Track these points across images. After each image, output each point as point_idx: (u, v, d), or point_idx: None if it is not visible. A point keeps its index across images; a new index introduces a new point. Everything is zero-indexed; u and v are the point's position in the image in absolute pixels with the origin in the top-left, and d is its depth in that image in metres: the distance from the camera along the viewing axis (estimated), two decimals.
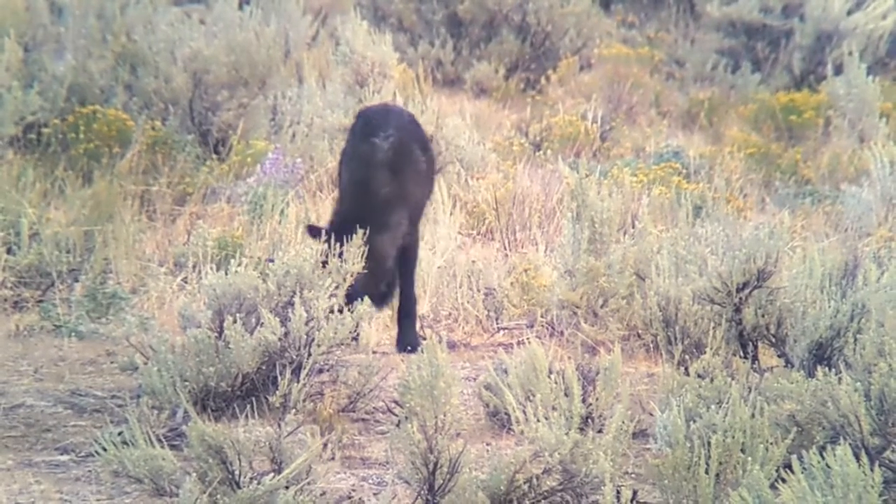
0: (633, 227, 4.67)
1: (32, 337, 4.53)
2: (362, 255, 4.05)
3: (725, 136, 7.26)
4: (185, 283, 4.75)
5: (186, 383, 3.84)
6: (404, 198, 4.28)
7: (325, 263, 4.04)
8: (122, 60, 6.29)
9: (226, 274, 3.97)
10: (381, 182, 4.24)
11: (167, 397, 3.82)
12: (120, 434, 3.59)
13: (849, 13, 8.33)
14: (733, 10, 8.49)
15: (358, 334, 4.25)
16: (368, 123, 4.42)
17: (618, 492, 3.27)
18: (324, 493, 3.44)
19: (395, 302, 4.42)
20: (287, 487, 3.30)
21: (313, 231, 4.21)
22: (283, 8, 6.99)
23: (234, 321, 3.87)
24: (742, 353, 4.19)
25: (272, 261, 3.93)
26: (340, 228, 4.16)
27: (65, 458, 3.67)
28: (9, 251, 4.87)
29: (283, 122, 6.13)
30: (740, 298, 4.18)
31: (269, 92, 6.34)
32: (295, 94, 6.35)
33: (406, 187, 4.29)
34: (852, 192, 5.90)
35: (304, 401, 3.90)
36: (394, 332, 4.69)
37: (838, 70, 7.59)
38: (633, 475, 3.69)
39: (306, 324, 3.92)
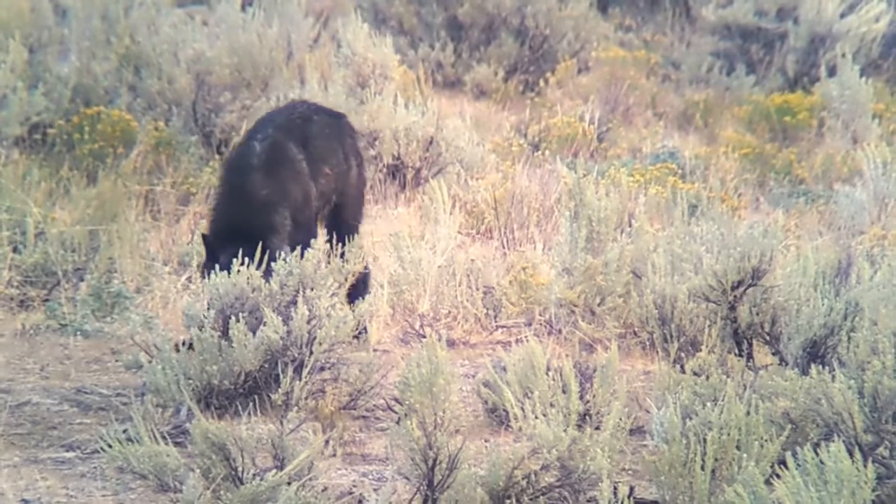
0: (630, 227, 4.72)
1: (38, 335, 4.57)
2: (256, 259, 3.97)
3: (720, 137, 7.31)
4: (189, 282, 4.79)
5: (190, 381, 3.89)
6: (285, 198, 4.24)
7: (205, 272, 4.00)
8: (126, 62, 6.34)
9: (229, 274, 4.02)
10: (258, 184, 4.21)
11: (171, 395, 3.87)
12: (125, 431, 3.64)
13: (842, 16, 8.38)
14: (728, 13, 8.54)
15: (361, 332, 4.30)
16: (257, 123, 4.45)
17: (615, 488, 3.32)
18: (325, 489, 3.48)
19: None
20: (289, 483, 3.34)
21: (206, 238, 4.15)
22: (285, 10, 7.04)
23: (238, 320, 3.91)
24: (737, 351, 4.24)
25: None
26: (219, 234, 4.11)
27: (70, 454, 3.71)
28: (14, 250, 4.91)
29: None
30: (735, 296, 4.23)
31: (271, 93, 6.39)
32: (297, 95, 6.39)
33: (286, 188, 4.26)
34: (846, 191, 5.95)
35: (305, 398, 3.95)
36: (394, 330, 4.74)
37: (832, 72, 7.63)
38: (629, 471, 3.73)
39: (308, 322, 3.97)
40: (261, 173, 4.21)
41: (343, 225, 4.50)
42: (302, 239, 4.25)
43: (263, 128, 4.41)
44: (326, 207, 4.43)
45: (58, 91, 6.19)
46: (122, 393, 4.10)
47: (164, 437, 3.56)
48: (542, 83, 8.02)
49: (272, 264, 4.00)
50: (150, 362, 3.92)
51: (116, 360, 4.31)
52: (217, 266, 4.03)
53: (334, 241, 4.36)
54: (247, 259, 4.00)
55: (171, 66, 6.29)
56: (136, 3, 6.48)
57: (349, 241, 4.23)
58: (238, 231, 4.10)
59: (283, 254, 4.02)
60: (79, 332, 4.57)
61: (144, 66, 6.33)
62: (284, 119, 4.43)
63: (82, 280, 4.85)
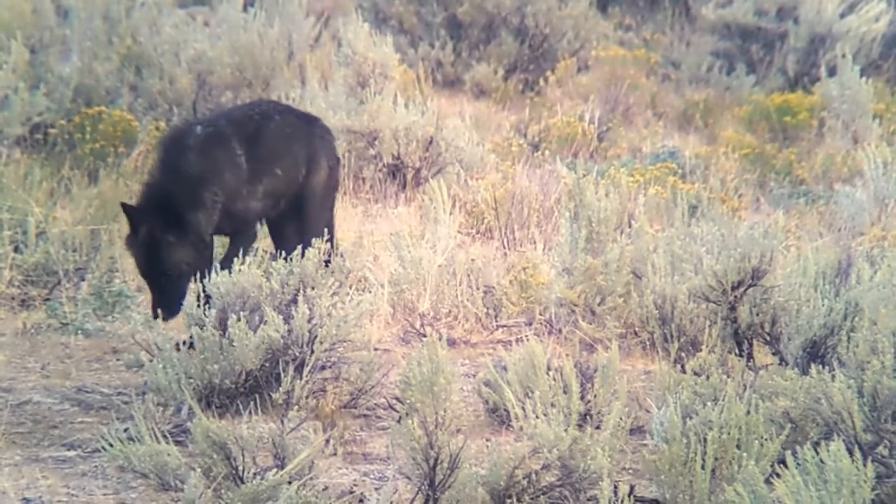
0: (630, 227, 4.73)
1: (39, 335, 4.57)
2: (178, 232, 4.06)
3: (720, 137, 7.31)
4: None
5: (191, 380, 3.89)
6: (217, 181, 4.24)
7: (131, 238, 4.09)
8: (128, 62, 6.35)
9: (230, 273, 4.03)
10: (192, 163, 4.21)
11: (172, 394, 3.87)
12: (126, 430, 3.64)
13: (842, 16, 8.38)
14: (728, 12, 8.54)
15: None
16: (214, 112, 4.55)
17: (615, 487, 3.33)
18: (326, 488, 3.49)
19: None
20: (290, 482, 3.35)
21: (128, 209, 4.18)
22: (286, 10, 7.04)
23: (238, 319, 3.92)
24: (737, 351, 4.25)
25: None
26: (144, 207, 4.17)
27: (72, 453, 3.72)
28: (16, 250, 4.91)
29: None
30: (735, 297, 4.24)
31: (272, 93, 6.39)
32: (298, 95, 6.40)
33: (219, 172, 4.24)
34: (846, 192, 5.96)
35: (306, 397, 3.95)
36: (395, 329, 4.75)
37: (832, 72, 7.64)
38: (630, 471, 3.74)
39: (309, 321, 3.97)
40: (195, 153, 4.24)
41: (304, 225, 4.48)
42: (237, 231, 4.31)
43: (216, 118, 4.49)
44: (276, 208, 4.39)
45: (59, 91, 6.20)
46: (124, 392, 4.11)
47: (165, 436, 3.57)
48: (541, 82, 8.02)
49: (196, 241, 4.07)
50: (151, 361, 3.92)
51: (117, 359, 4.31)
52: (137, 238, 4.09)
53: (288, 241, 4.38)
54: (241, 257, 4.05)
55: (172, 66, 6.30)
56: (138, 4, 6.48)
57: (308, 242, 4.23)
58: (164, 205, 4.15)
59: (206, 236, 4.10)
60: (80, 332, 4.58)
61: (146, 66, 6.34)
62: (241, 114, 4.48)
63: (83, 279, 4.86)
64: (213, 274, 4.02)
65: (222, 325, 3.96)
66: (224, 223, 4.32)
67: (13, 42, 6.19)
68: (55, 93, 6.17)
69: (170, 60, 6.32)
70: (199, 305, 3.97)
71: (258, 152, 4.35)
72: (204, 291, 4.00)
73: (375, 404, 4.09)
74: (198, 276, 4.09)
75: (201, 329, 3.94)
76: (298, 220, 4.47)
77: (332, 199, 4.60)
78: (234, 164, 4.30)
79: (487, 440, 3.86)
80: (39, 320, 4.65)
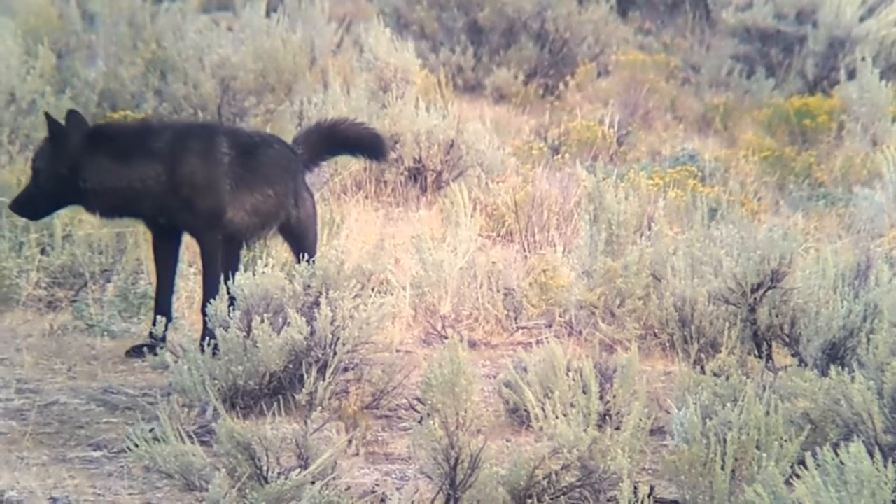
0: (650, 229, 4.74)
1: (66, 336, 4.62)
2: None
3: (740, 140, 7.31)
4: None
5: (216, 381, 3.93)
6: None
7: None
8: (153, 67, 6.42)
9: (253, 275, 4.07)
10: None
11: (197, 395, 3.92)
12: (151, 431, 3.68)
13: (861, 20, 8.35)
14: (748, 16, 8.53)
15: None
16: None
17: (635, 487, 3.34)
18: (348, 488, 3.52)
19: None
20: (313, 482, 3.38)
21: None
22: (308, 16, 7.11)
23: (262, 321, 3.97)
24: (757, 353, 4.26)
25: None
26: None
27: (98, 453, 3.76)
28: (43, 252, 4.97)
29: (314, 122, 6.22)
30: (755, 299, 4.26)
31: (295, 98, 6.45)
32: (320, 99, 6.45)
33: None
34: (865, 194, 5.95)
35: (329, 398, 3.99)
36: (416, 331, 4.78)
37: (851, 75, 7.62)
38: (650, 471, 3.75)
39: (331, 323, 4.01)
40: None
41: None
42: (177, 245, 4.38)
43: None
44: (266, 230, 4.42)
45: (85, 95, 6.28)
46: (149, 393, 4.15)
47: (189, 437, 3.61)
48: (561, 87, 8.04)
49: None
50: (176, 362, 3.97)
51: (143, 360, 4.36)
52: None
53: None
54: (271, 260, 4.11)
55: (196, 71, 6.37)
56: (163, 10, 6.56)
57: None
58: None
59: None
60: (106, 333, 4.63)
61: (170, 70, 6.41)
62: (241, 131, 4.64)
63: (109, 281, 4.91)
64: (238, 276, 4.07)
65: (246, 327, 4.00)
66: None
67: (40, 47, 6.27)
68: (81, 97, 6.24)
69: (194, 65, 6.39)
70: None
71: (252, 169, 4.36)
72: (228, 293, 4.06)
73: (397, 405, 4.12)
74: (223, 277, 4.15)
75: (226, 331, 3.98)
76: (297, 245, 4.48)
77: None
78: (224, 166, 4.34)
79: (508, 440, 3.88)
80: (66, 322, 4.71)
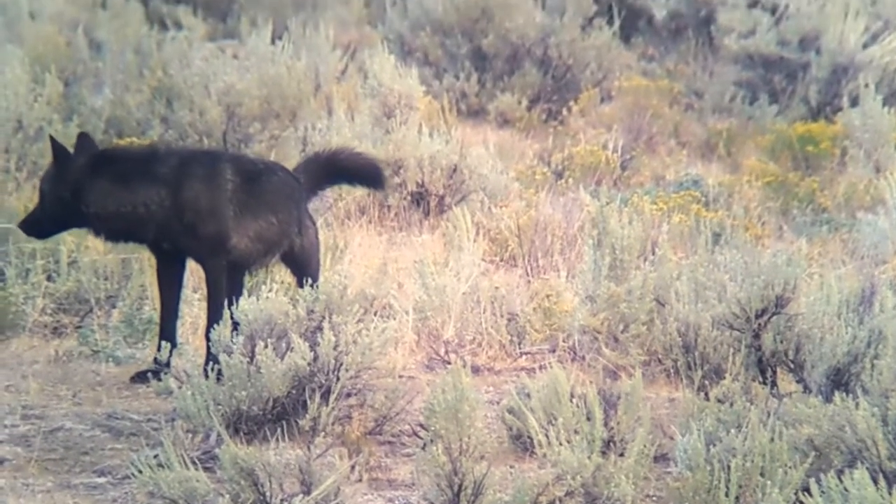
0: (653, 254, 4.74)
1: (71, 362, 4.63)
2: None
3: (743, 166, 7.32)
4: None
5: (219, 407, 3.94)
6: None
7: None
8: (159, 94, 6.47)
9: (257, 300, 4.08)
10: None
11: (201, 420, 3.92)
12: (156, 457, 3.68)
13: (864, 46, 8.38)
14: (751, 43, 8.56)
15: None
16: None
17: None
18: None
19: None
20: None
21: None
22: (313, 43, 7.16)
23: (266, 346, 3.97)
24: (761, 379, 4.25)
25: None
26: None
27: (102, 480, 3.76)
28: (48, 278, 4.99)
29: (313, 151, 6.27)
30: (759, 324, 4.25)
31: (299, 124, 6.48)
32: (324, 125, 6.49)
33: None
34: (868, 220, 5.95)
35: (332, 424, 3.99)
36: (419, 356, 4.78)
37: (854, 102, 7.64)
38: (654, 498, 3.74)
39: (335, 348, 4.02)
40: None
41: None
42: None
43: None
44: (269, 257, 4.42)
45: (92, 123, 6.32)
46: (153, 418, 4.16)
47: (193, 463, 3.60)
48: (565, 112, 8.07)
49: None
50: (180, 388, 3.97)
51: (147, 386, 4.37)
52: None
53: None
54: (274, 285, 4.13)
55: (202, 98, 6.41)
56: (169, 38, 6.61)
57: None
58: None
59: None
60: (111, 359, 4.64)
61: (176, 98, 6.45)
62: (245, 158, 4.65)
63: (114, 307, 4.92)
64: (242, 301, 4.08)
65: (250, 353, 4.01)
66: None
67: (48, 75, 6.32)
68: (88, 124, 6.28)
69: (200, 92, 6.43)
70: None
71: (256, 196, 4.38)
72: (232, 318, 4.07)
73: (400, 431, 4.12)
74: (227, 302, 4.17)
75: (229, 356, 3.99)
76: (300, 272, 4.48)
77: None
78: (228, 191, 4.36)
79: (511, 467, 3.87)
80: (71, 348, 4.72)
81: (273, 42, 6.76)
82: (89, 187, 4.30)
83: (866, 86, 7.43)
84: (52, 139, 4.42)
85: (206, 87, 6.44)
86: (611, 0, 9.13)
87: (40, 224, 4.38)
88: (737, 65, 8.53)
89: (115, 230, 4.36)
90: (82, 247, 5.11)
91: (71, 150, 4.40)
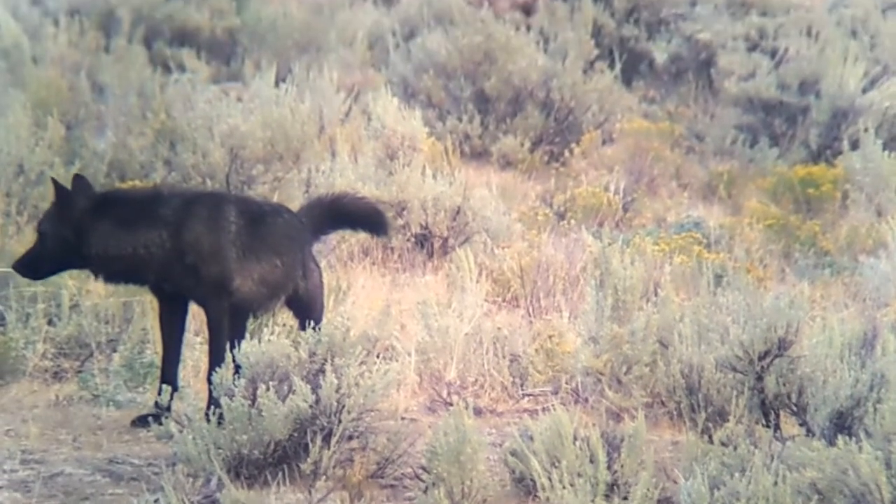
0: (656, 295, 4.74)
1: (72, 406, 4.61)
2: None
3: (745, 208, 7.33)
4: None
5: (220, 451, 3.92)
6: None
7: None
8: (162, 137, 6.49)
9: (259, 342, 4.08)
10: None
11: (202, 465, 3.90)
12: (156, 501, 3.66)
13: (864, 91, 8.43)
14: (751, 86, 8.62)
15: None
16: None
17: None
18: None
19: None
20: None
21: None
22: (317, 85, 7.21)
23: (267, 389, 3.96)
24: (764, 422, 4.23)
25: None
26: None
27: None
28: (49, 322, 4.98)
29: (316, 195, 6.29)
30: (762, 367, 4.24)
31: (303, 165, 6.50)
32: (328, 167, 6.51)
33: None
34: (870, 263, 5.95)
35: (334, 467, 3.96)
36: (422, 398, 4.77)
37: (854, 145, 7.66)
38: None
39: (336, 391, 4.00)
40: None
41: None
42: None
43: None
44: (274, 301, 4.41)
45: (94, 166, 6.34)
46: (154, 463, 4.14)
47: None
48: (567, 154, 8.11)
49: None
50: (180, 432, 3.96)
51: (148, 430, 4.35)
52: None
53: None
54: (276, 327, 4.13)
55: (205, 140, 6.43)
56: (173, 80, 6.65)
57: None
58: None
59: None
60: (111, 403, 4.63)
61: (179, 140, 6.48)
62: (250, 200, 4.65)
63: (115, 351, 4.91)
64: (244, 344, 4.08)
65: (251, 396, 4.00)
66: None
67: (50, 119, 6.36)
68: (90, 167, 6.30)
69: (203, 135, 6.46)
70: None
71: (262, 238, 4.36)
72: (234, 361, 4.06)
73: (402, 474, 4.09)
74: (229, 345, 4.16)
75: (231, 399, 3.98)
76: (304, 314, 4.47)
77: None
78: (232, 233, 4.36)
79: None
80: (72, 392, 4.70)
81: (277, 84, 6.81)
82: (91, 228, 4.31)
83: (866, 130, 7.46)
84: (54, 180, 4.44)
85: (209, 129, 6.47)
86: (612, 44, 9.21)
87: (37, 265, 4.38)
88: (737, 108, 8.57)
89: (116, 272, 4.36)
90: (84, 290, 5.11)
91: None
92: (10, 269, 4.46)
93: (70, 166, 6.21)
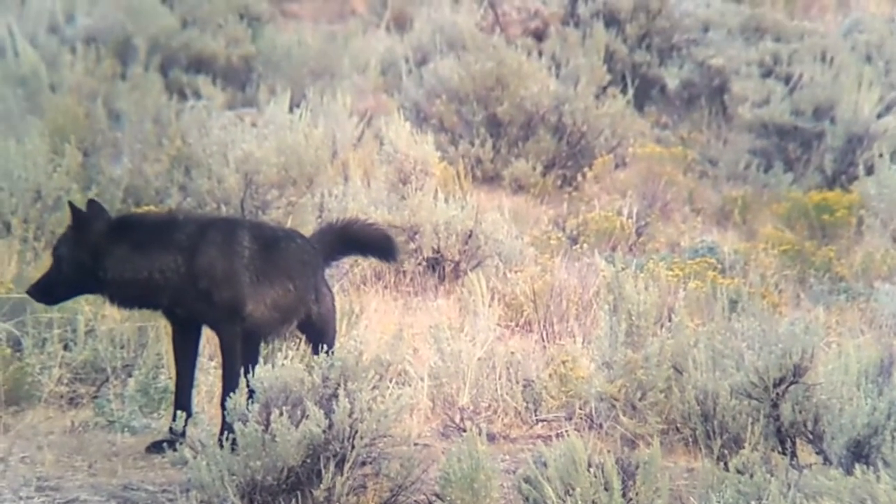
0: (670, 321, 4.73)
1: (87, 432, 4.61)
2: None
3: (759, 234, 7.32)
4: None
5: (234, 477, 3.92)
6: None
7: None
8: (177, 163, 6.54)
9: (273, 367, 4.08)
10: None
11: (215, 491, 3.89)
12: None
13: (879, 116, 8.41)
14: (765, 112, 8.61)
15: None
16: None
17: None
18: None
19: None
20: None
21: None
22: (330, 111, 7.25)
23: (281, 414, 3.96)
24: (780, 449, 4.21)
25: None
26: None
27: None
28: (65, 348, 5.00)
29: (329, 219, 6.32)
30: (777, 394, 4.22)
31: (316, 190, 6.53)
32: (341, 191, 6.54)
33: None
34: (886, 289, 5.93)
35: (347, 494, 3.95)
36: (434, 423, 4.75)
37: (869, 170, 7.65)
38: None
39: (350, 416, 4.00)
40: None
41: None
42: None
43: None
44: (286, 326, 4.42)
45: (110, 192, 6.38)
46: (168, 489, 4.13)
47: None
48: (579, 178, 8.11)
49: None
50: (195, 458, 3.95)
51: (163, 456, 4.34)
52: None
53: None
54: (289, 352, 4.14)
55: (220, 166, 6.47)
56: (188, 107, 6.69)
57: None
58: None
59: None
60: (126, 429, 4.63)
61: (195, 166, 6.52)
62: (265, 225, 4.67)
63: (130, 376, 4.91)
64: (258, 368, 4.08)
65: (265, 421, 4.00)
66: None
67: (67, 145, 6.41)
68: (106, 193, 6.35)
69: (218, 161, 6.50)
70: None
71: (275, 262, 4.36)
72: (248, 386, 4.06)
73: (416, 501, 4.08)
74: (243, 370, 4.16)
75: (244, 425, 3.98)
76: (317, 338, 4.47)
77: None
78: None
79: None
80: (87, 418, 4.71)
81: (291, 110, 6.85)
82: (107, 252, 4.33)
83: (881, 155, 7.43)
84: (71, 204, 4.47)
85: (224, 155, 6.51)
86: (624, 69, 9.23)
87: (52, 289, 4.40)
88: (751, 133, 8.56)
89: (131, 296, 4.38)
90: (99, 315, 5.13)
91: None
92: (26, 295, 4.47)
93: (87, 192, 6.24)
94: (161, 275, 4.32)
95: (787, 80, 8.95)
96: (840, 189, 7.90)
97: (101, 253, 4.33)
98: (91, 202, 4.47)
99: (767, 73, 9.05)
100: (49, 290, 4.41)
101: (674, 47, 9.49)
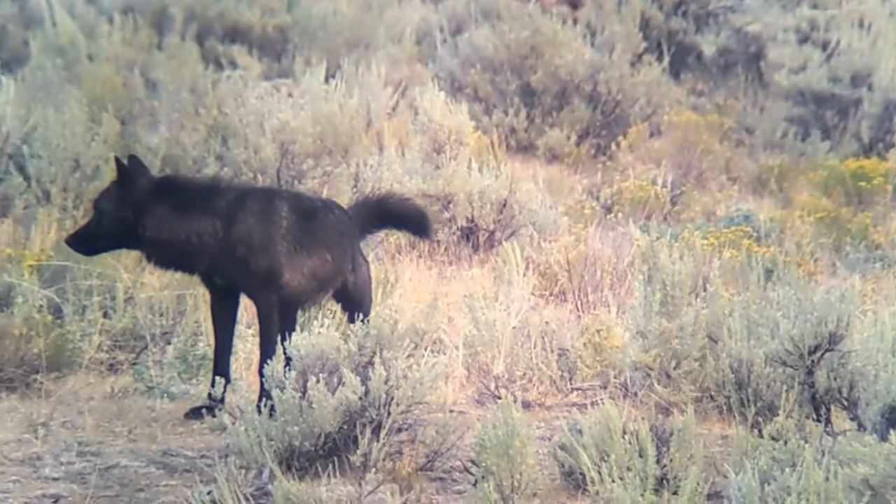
0: (705, 290, 4.71)
1: (126, 398, 4.68)
2: None
3: (795, 201, 7.26)
4: None
5: (272, 443, 3.97)
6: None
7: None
8: (214, 132, 6.59)
9: (309, 335, 4.12)
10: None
11: (254, 457, 3.95)
12: (209, 493, 3.71)
13: None
14: (801, 79, 8.52)
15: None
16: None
17: None
18: None
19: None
20: None
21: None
22: (365, 81, 7.27)
23: (317, 381, 4.01)
24: (815, 416, 4.20)
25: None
26: None
27: None
28: (105, 315, 5.07)
29: (364, 189, 6.35)
30: (812, 361, 4.21)
31: (351, 160, 6.57)
32: (376, 161, 6.57)
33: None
34: None
35: (383, 460, 3.99)
36: (470, 391, 4.79)
37: None
38: None
39: (385, 383, 4.04)
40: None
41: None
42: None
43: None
44: (322, 294, 4.45)
45: (148, 161, 6.40)
46: (207, 455, 4.19)
47: (247, 499, 3.63)
48: (613, 147, 8.08)
49: None
50: (233, 424, 4.01)
51: (201, 422, 4.41)
52: None
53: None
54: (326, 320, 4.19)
55: (256, 136, 6.52)
56: (224, 77, 6.72)
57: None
58: None
59: None
60: (165, 395, 4.69)
61: (231, 136, 6.57)
62: (303, 196, 4.68)
63: (169, 343, 4.98)
64: (294, 336, 4.13)
65: (302, 388, 4.05)
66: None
67: (104, 114, 6.48)
68: (144, 162, 6.41)
69: (254, 130, 6.54)
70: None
71: (313, 232, 4.39)
72: (285, 353, 4.11)
73: (451, 467, 4.11)
74: (280, 338, 4.22)
75: (282, 392, 4.03)
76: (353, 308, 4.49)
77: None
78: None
79: None
80: (126, 384, 4.77)
81: (326, 80, 6.87)
82: (148, 210, 4.37)
83: None
84: (118, 159, 4.50)
85: (260, 125, 6.55)
86: (660, 37, 9.15)
87: (91, 241, 4.43)
88: (787, 101, 8.47)
89: (167, 257, 4.41)
90: (138, 283, 5.19)
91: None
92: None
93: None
94: (198, 238, 4.36)
95: (825, 46, 8.84)
96: (877, 157, 7.81)
97: (142, 210, 4.37)
98: (132, 158, 4.52)
99: (804, 40, 8.94)
100: (87, 242, 4.44)
101: (710, 14, 9.39)
